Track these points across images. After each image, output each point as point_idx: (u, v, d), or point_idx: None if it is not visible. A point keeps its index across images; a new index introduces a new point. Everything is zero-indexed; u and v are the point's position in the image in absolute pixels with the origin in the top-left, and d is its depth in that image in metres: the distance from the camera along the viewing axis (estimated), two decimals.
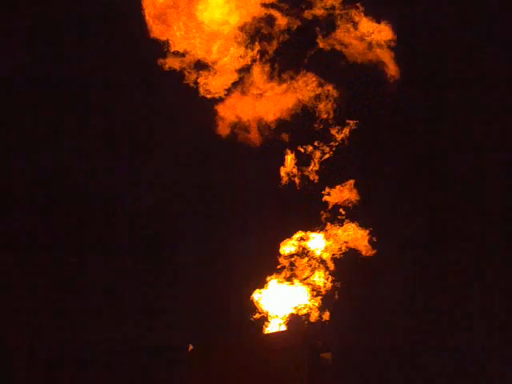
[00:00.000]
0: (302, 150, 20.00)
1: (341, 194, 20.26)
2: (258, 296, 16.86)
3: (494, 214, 22.36)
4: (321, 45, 19.92)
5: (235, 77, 19.25)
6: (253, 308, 16.27)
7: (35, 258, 21.48)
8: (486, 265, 21.98)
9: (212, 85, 19.22)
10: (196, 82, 19.25)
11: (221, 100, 19.60)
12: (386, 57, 20.00)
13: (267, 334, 14.39)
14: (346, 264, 20.79)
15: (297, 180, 20.20)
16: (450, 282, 21.94)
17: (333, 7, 19.47)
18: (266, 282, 17.59)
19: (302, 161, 20.74)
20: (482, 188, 22.38)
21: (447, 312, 21.64)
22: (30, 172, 21.97)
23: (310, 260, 18.54)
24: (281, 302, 16.26)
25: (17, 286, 21.13)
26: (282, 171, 19.96)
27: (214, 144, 20.73)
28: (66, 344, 20.68)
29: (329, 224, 19.64)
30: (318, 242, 18.93)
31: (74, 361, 20.61)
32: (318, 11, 19.51)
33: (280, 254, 18.48)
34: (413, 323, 21.44)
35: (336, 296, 18.01)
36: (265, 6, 18.68)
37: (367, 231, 19.74)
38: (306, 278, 17.81)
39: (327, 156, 20.09)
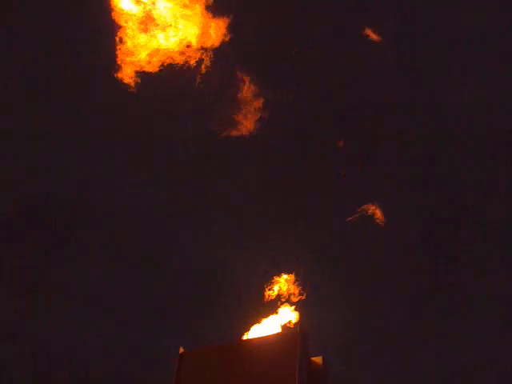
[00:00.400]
0: None
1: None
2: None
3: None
4: None
5: None
6: (247, 310, 16.30)
7: (35, 259, 21.57)
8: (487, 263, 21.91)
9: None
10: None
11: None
12: None
13: (258, 338, 14.37)
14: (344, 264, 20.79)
15: None
16: (449, 283, 21.88)
17: None
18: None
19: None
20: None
21: (446, 313, 21.59)
22: (31, 174, 22.07)
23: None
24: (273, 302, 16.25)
25: (16, 288, 21.23)
26: None
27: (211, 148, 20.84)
28: (63, 345, 20.78)
29: None
30: None
31: (72, 362, 20.70)
32: None
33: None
34: (412, 325, 21.40)
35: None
36: None
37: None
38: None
39: None
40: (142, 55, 19.25)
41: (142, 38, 18.15)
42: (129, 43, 18.18)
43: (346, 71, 21.57)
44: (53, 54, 21.50)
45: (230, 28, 19.20)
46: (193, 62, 19.37)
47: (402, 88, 22.35)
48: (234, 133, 20.51)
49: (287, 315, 16.02)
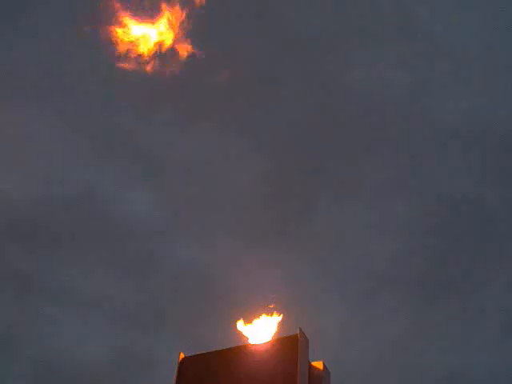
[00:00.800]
0: None
1: None
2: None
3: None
4: None
5: None
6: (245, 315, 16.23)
7: (34, 259, 21.58)
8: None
9: None
10: None
11: None
12: None
13: (258, 343, 14.30)
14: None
15: None
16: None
17: None
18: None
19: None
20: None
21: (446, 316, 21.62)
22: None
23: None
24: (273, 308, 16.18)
25: (16, 288, 21.25)
26: None
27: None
28: (63, 345, 20.81)
29: None
30: None
31: (72, 362, 20.72)
32: None
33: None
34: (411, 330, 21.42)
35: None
36: None
37: None
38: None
39: None
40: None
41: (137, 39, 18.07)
42: (124, 44, 18.13)
43: (346, 72, 21.56)
44: (53, 54, 21.48)
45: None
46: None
47: (401, 88, 22.36)
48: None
49: (287, 319, 15.97)
